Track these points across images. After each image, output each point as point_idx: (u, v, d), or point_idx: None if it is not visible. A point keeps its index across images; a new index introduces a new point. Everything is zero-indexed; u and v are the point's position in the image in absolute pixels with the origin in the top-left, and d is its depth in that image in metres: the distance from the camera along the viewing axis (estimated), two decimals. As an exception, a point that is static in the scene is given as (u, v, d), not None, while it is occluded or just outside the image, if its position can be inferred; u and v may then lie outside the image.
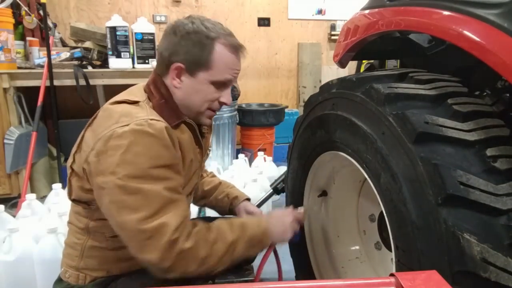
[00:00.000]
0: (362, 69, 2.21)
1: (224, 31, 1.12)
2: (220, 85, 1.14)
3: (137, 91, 1.17)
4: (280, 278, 1.48)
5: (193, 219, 1.34)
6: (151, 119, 1.01)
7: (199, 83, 1.12)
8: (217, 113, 1.25)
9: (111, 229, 1.11)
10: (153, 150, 0.98)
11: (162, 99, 1.12)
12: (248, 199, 1.52)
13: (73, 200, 1.15)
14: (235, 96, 3.43)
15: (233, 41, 1.12)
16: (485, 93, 1.07)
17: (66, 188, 1.18)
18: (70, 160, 1.14)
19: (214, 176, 1.61)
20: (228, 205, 1.51)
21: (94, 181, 1.01)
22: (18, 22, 3.17)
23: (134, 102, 1.09)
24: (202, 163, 1.33)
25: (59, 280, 1.21)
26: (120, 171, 0.96)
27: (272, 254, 1.37)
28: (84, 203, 1.13)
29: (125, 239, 1.01)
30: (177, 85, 1.13)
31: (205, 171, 1.59)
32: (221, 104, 1.17)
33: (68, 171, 1.13)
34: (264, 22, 4.46)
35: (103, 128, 1.02)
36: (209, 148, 1.45)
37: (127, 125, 0.99)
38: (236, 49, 1.13)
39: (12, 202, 2.76)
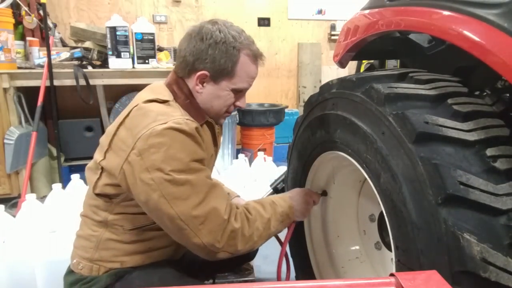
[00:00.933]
0: (362, 69, 2.21)
1: (247, 40, 1.18)
2: (238, 91, 1.20)
3: (162, 90, 1.20)
4: (288, 278, 1.49)
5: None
6: (187, 119, 1.08)
7: (220, 90, 1.18)
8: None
9: (131, 222, 1.17)
10: (190, 146, 1.07)
11: (187, 99, 1.18)
12: (238, 196, 1.56)
13: (97, 194, 1.18)
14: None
15: (255, 51, 1.19)
16: (485, 93, 1.07)
17: (89, 182, 1.20)
18: (99, 157, 1.16)
19: None
20: None
21: (138, 178, 1.04)
22: (18, 22, 3.18)
23: (164, 101, 1.14)
24: (215, 161, 1.37)
25: (70, 272, 1.23)
26: (166, 167, 1.02)
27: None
28: (107, 196, 1.16)
29: (176, 229, 1.06)
30: (199, 90, 1.19)
31: None
32: (236, 107, 1.25)
33: (98, 167, 1.16)
34: (264, 22, 4.46)
35: (141, 127, 1.06)
36: None
37: (165, 123, 1.04)
38: (257, 58, 1.20)
39: (12, 202, 2.77)
